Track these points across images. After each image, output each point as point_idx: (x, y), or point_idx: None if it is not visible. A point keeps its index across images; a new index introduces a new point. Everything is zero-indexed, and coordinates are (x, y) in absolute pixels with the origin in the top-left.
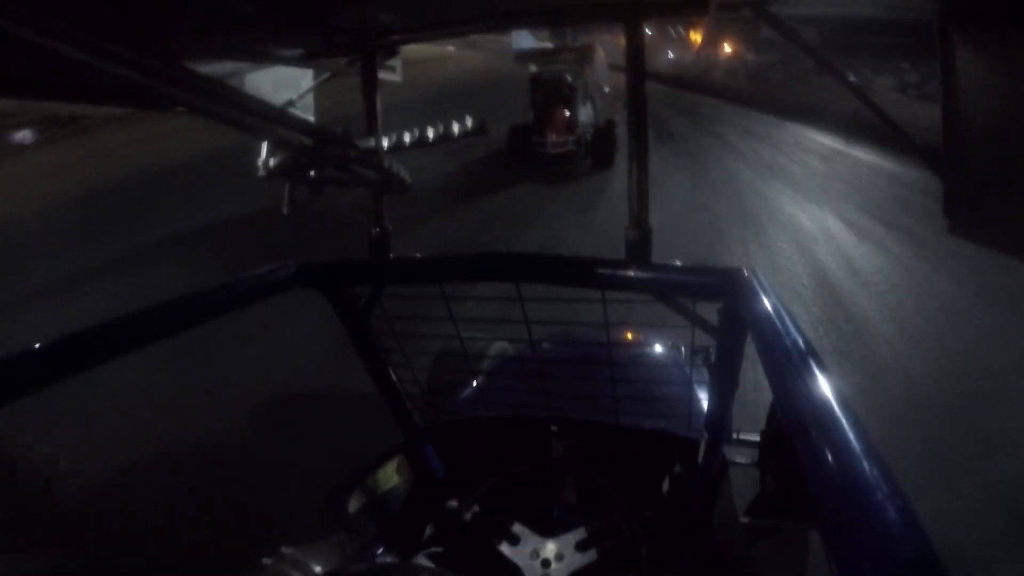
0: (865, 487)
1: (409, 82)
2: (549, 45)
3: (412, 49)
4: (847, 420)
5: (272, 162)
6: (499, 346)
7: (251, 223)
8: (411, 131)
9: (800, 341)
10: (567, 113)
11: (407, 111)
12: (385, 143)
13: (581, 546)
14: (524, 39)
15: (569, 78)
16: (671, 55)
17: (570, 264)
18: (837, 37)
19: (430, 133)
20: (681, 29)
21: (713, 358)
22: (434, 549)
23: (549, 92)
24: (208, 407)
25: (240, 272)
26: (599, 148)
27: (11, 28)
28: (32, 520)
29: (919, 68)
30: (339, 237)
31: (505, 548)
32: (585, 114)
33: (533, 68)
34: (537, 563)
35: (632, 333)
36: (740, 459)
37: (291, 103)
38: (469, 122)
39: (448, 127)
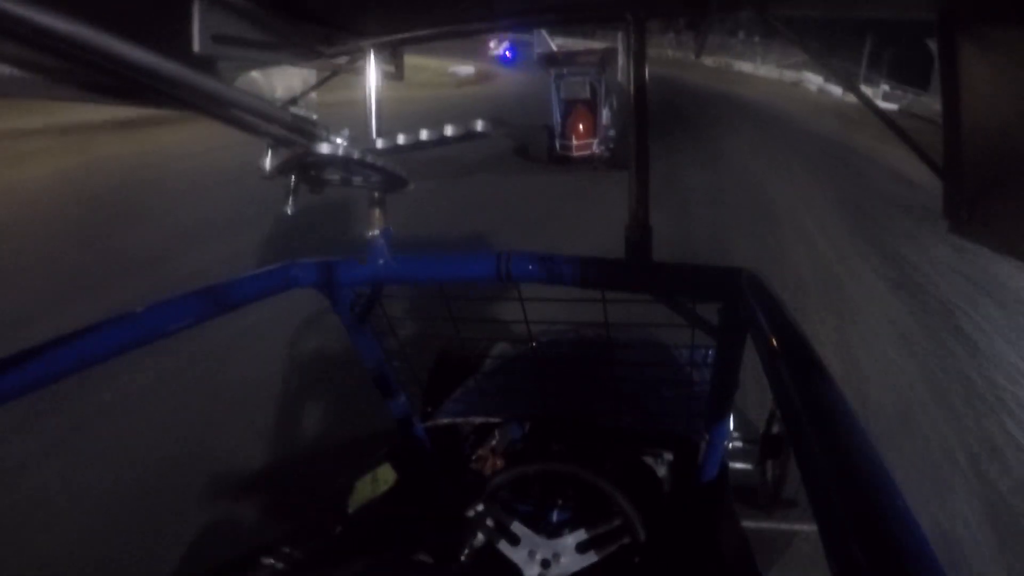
0: (864, 487)
1: None
2: (574, 46)
3: None
4: (847, 420)
5: (274, 162)
6: (499, 346)
7: None
8: (412, 132)
9: (800, 342)
10: (590, 117)
11: None
12: (384, 143)
13: (581, 548)
14: (543, 43)
15: (591, 82)
16: None
17: (570, 264)
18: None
19: (432, 134)
20: None
21: (713, 358)
22: (433, 548)
23: (571, 96)
24: None
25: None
26: (619, 150)
27: (6, 25)
28: None
29: None
30: None
31: (504, 547)
32: (607, 117)
33: (554, 71)
34: (536, 563)
35: (632, 333)
36: (740, 460)
37: (292, 102)
38: (474, 125)
39: (452, 129)
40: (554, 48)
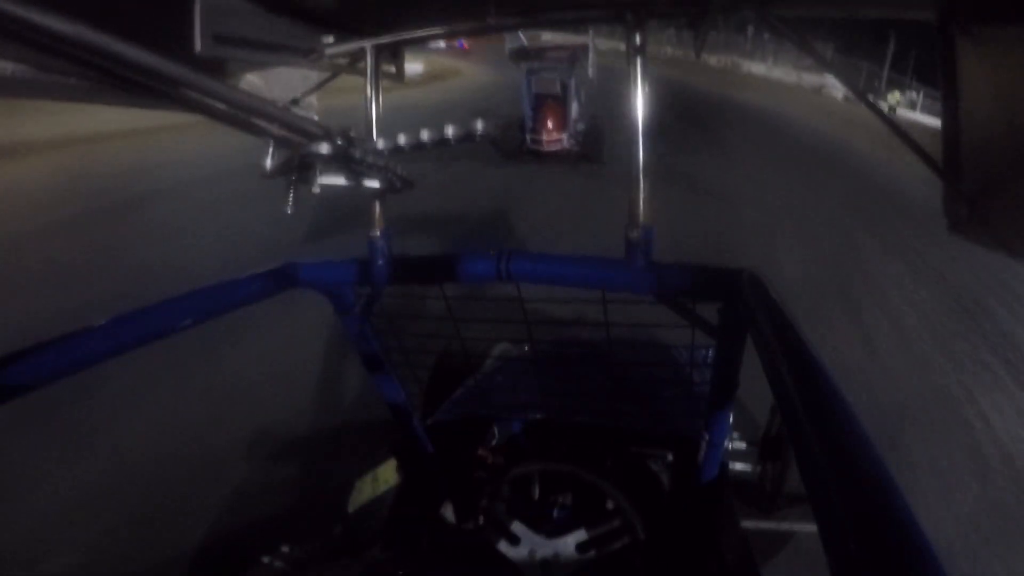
0: (864, 487)
1: None
2: (542, 42)
3: None
4: (846, 421)
5: (275, 162)
6: (500, 346)
7: None
8: (413, 132)
9: (800, 342)
10: (561, 111)
11: None
12: (384, 144)
13: (581, 548)
14: (515, 38)
15: (561, 77)
16: None
17: (570, 264)
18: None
19: (433, 135)
20: None
21: (713, 358)
22: (433, 548)
23: (542, 91)
24: None
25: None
26: (589, 144)
27: (6, 25)
28: None
29: None
30: None
31: (504, 547)
32: (577, 111)
33: (526, 66)
34: (536, 563)
35: (632, 333)
36: (740, 460)
37: (293, 102)
38: (474, 126)
39: (453, 130)
40: (526, 43)
